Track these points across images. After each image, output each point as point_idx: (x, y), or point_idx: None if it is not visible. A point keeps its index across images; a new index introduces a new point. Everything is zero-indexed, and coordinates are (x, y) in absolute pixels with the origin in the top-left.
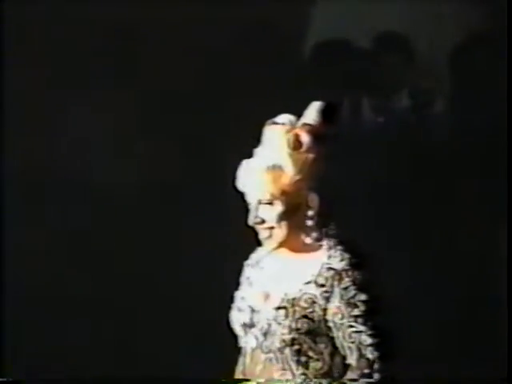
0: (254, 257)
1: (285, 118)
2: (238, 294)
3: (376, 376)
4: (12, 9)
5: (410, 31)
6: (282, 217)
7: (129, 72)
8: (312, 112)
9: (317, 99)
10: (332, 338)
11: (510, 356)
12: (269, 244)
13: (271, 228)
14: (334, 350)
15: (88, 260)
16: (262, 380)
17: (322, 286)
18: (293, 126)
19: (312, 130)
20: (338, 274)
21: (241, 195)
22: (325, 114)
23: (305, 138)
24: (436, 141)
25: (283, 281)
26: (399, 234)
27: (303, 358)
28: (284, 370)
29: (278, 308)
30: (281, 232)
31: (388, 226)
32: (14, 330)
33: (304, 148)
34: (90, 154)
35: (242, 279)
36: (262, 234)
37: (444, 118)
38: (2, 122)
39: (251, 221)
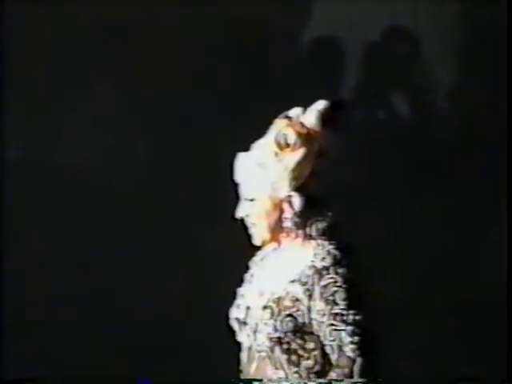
0: (261, 253)
1: (294, 111)
2: (239, 291)
3: (357, 375)
4: (12, 9)
5: (413, 27)
6: (262, 215)
7: (129, 70)
8: (312, 111)
9: (317, 97)
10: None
11: (510, 356)
12: (254, 240)
13: (254, 224)
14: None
15: (88, 259)
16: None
17: (305, 284)
18: (293, 122)
19: (304, 130)
20: (319, 272)
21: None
22: (327, 114)
23: (291, 139)
24: (438, 138)
25: (274, 279)
26: (396, 231)
27: (294, 357)
28: (276, 368)
29: (265, 307)
30: (262, 230)
31: (386, 224)
32: (14, 330)
33: (290, 148)
34: (89, 151)
35: (247, 276)
36: (250, 230)
37: (446, 116)
38: (1, 121)
39: (237, 214)
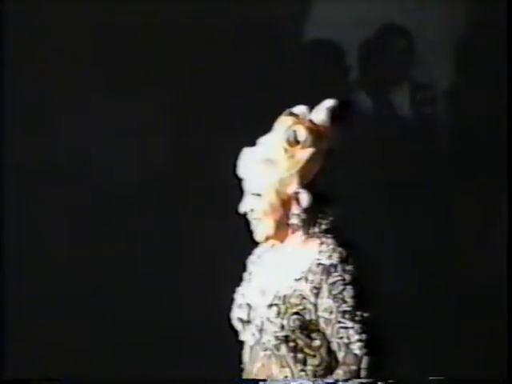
0: (257, 251)
1: (299, 109)
2: (239, 290)
3: (363, 372)
4: (12, 10)
5: (411, 25)
6: (268, 210)
7: (129, 68)
8: (321, 109)
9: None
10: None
11: (510, 356)
12: (257, 236)
13: (258, 219)
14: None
15: (88, 259)
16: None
17: (312, 281)
18: (301, 119)
19: (314, 128)
20: (326, 270)
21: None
22: (336, 112)
23: (302, 136)
24: (438, 138)
25: (277, 277)
26: (397, 231)
27: (300, 355)
28: (282, 367)
29: (270, 305)
30: (267, 225)
31: (386, 224)
32: (14, 330)
33: (300, 145)
34: (90, 150)
35: (245, 275)
36: (252, 225)
37: (446, 115)
38: (1, 122)
39: (241, 209)
